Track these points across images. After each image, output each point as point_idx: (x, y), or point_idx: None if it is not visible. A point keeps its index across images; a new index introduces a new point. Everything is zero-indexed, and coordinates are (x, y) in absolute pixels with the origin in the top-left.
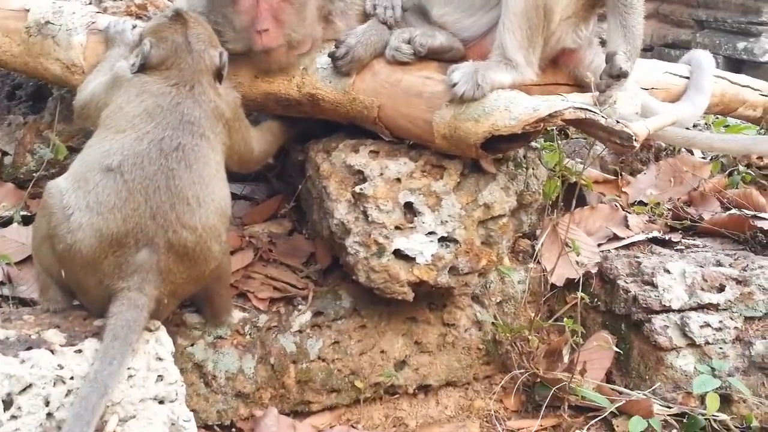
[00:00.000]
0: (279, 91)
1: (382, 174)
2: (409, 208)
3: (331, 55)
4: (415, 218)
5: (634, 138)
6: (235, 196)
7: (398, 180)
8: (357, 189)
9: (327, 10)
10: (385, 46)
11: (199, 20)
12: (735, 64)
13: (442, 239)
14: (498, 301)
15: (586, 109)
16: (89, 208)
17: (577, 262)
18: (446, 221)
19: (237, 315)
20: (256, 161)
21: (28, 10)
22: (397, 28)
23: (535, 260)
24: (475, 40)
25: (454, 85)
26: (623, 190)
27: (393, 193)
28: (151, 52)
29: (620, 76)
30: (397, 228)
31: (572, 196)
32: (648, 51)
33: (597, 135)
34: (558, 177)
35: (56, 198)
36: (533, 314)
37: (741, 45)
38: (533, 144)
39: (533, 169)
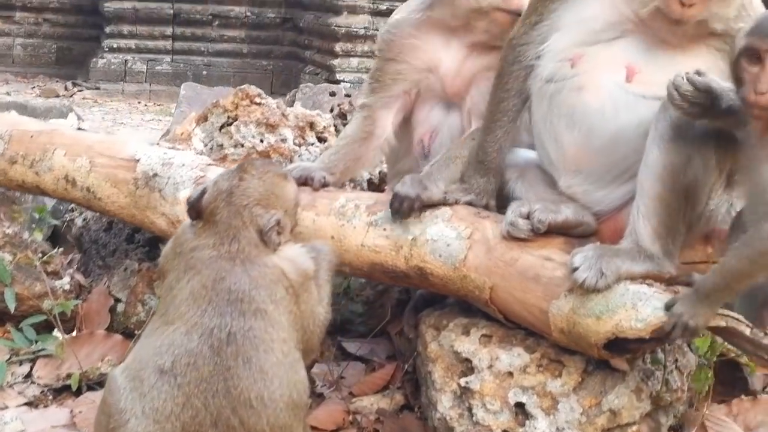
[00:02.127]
0: (386, 262)
1: (491, 366)
2: (520, 409)
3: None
4: (527, 422)
5: None
6: (350, 356)
7: (510, 374)
8: (463, 381)
9: None
10: None
11: (264, 176)
12: None
13: None
14: None
15: (729, 316)
16: (145, 415)
17: None
18: (563, 428)
19: None
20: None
21: (138, 160)
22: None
23: None
24: (609, 214)
25: (575, 269)
26: None
27: (503, 390)
28: (195, 197)
29: None
30: None
31: (728, 380)
32: None
33: (741, 346)
34: (710, 367)
35: (115, 396)
36: None
37: None
38: None
39: (677, 359)
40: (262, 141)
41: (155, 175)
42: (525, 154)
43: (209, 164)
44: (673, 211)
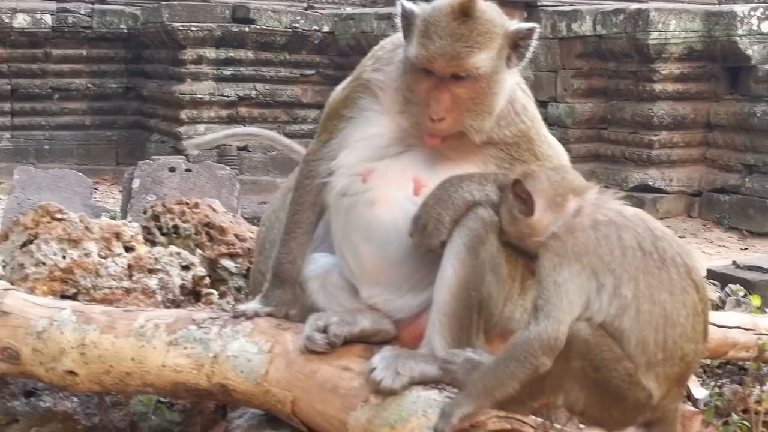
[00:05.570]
0: (188, 381)
1: None
2: None
3: None
4: None
5: None
6: None
7: None
8: None
9: None
10: None
11: None
12: None
13: None
14: None
15: (513, 418)
16: None
17: None
18: None
19: None
20: None
21: None
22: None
23: None
24: (408, 321)
25: (373, 370)
26: None
27: None
28: None
29: None
30: None
31: None
32: (696, 196)
33: None
34: None
35: None
36: None
37: None
38: None
39: None
40: (64, 257)
41: None
42: (325, 260)
43: (7, 289)
44: (465, 326)
